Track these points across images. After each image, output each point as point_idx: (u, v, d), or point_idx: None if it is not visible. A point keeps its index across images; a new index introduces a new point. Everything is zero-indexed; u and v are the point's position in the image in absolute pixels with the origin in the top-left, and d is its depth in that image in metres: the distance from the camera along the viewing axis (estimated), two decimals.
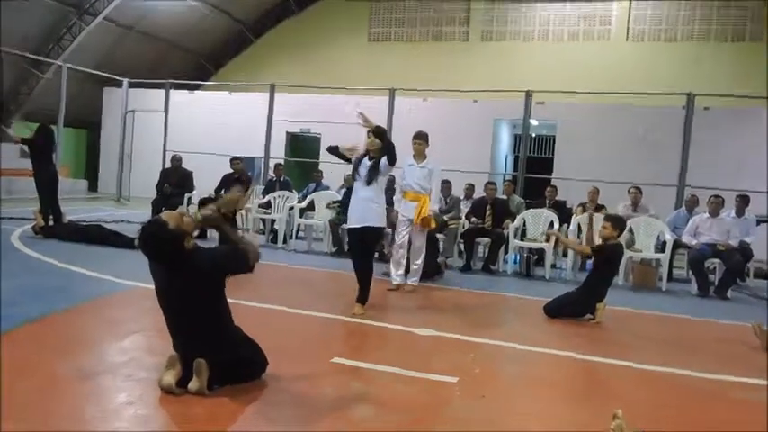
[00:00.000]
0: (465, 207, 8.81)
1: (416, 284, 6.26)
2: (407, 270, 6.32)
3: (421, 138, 6.22)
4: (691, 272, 7.57)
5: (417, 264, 6.28)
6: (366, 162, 5.23)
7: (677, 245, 7.74)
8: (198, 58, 19.76)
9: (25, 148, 9.42)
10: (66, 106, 13.09)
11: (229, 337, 3.18)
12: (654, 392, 3.67)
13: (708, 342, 5.11)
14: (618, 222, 5.55)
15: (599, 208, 8.66)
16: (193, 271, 3.06)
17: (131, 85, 14.64)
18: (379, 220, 5.21)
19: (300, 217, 9.06)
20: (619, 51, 15.76)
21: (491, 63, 16.41)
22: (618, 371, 4.02)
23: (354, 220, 5.23)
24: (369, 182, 5.17)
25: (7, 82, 15.91)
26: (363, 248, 5.25)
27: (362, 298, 5.11)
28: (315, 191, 9.72)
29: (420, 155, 6.23)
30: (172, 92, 13.56)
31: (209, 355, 2.99)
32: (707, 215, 7.66)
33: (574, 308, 5.38)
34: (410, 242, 6.30)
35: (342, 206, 8.57)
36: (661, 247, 7.74)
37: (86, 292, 5.22)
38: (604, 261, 5.47)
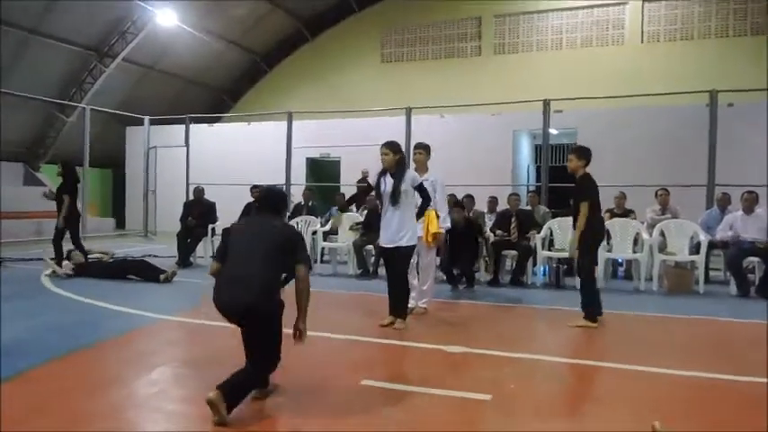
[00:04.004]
0: (489, 220, 8.69)
1: (427, 306, 5.88)
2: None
3: (421, 147, 5.87)
4: (729, 272, 7.31)
5: (427, 284, 5.89)
6: (389, 179, 5.21)
7: (712, 245, 7.49)
8: (215, 92, 20.12)
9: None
10: (90, 147, 13.35)
11: (274, 291, 3.29)
12: (698, 401, 3.49)
13: (752, 344, 4.87)
14: (582, 152, 5.46)
15: (627, 213, 8.48)
16: (284, 232, 3.41)
17: (152, 123, 14.90)
18: (409, 240, 5.21)
19: (324, 240, 9.03)
20: (635, 54, 15.57)
21: (506, 75, 16.36)
22: (658, 379, 3.83)
23: (385, 240, 5.25)
24: (394, 202, 5.16)
25: (34, 127, 16.39)
26: (397, 266, 5.25)
27: (401, 312, 5.19)
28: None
29: (422, 166, 5.85)
30: (192, 126, 13.75)
31: (253, 302, 3.14)
32: (741, 213, 7.41)
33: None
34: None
35: (365, 228, 8.53)
36: (695, 248, 7.50)
37: (112, 327, 5.21)
38: (580, 194, 5.37)
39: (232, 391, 3.01)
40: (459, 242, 7.35)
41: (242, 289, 3.18)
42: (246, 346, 3.29)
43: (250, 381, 3.19)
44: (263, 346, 3.24)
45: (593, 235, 5.38)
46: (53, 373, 3.84)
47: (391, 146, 5.27)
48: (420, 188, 5.22)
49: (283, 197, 3.78)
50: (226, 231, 3.67)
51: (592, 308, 5.33)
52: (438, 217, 5.77)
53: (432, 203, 5.50)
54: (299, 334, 3.37)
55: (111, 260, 8.70)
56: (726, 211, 7.92)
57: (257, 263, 3.24)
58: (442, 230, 5.87)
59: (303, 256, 3.39)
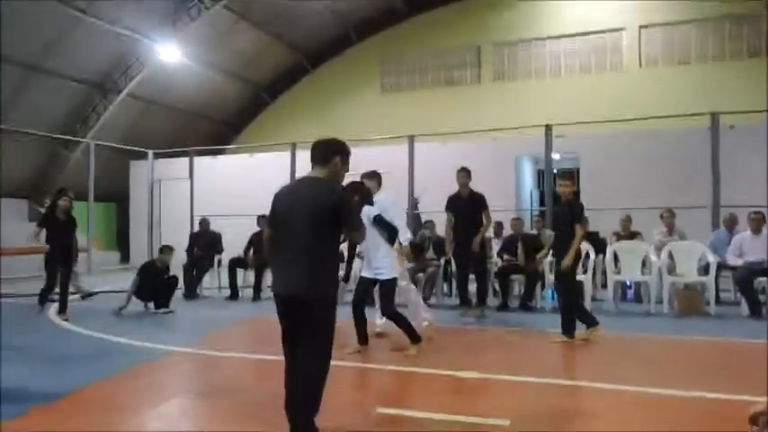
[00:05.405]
0: (495, 245, 8.67)
1: (430, 318, 5.83)
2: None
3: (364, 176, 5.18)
4: (739, 293, 7.26)
5: (411, 304, 5.79)
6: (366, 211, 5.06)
7: (721, 266, 7.45)
8: (217, 125, 20.30)
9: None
10: (95, 182, 13.43)
11: (326, 276, 3.04)
12: (710, 423, 3.43)
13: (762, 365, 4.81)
14: (573, 177, 5.90)
15: (633, 235, 8.47)
16: (326, 199, 3.05)
17: (156, 156, 15.01)
18: (386, 273, 5.15)
19: None
20: (634, 78, 15.73)
21: (506, 102, 16.48)
22: (673, 402, 3.78)
23: (362, 269, 5.36)
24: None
25: (38, 163, 16.49)
26: (382, 301, 5.31)
27: (413, 338, 5.14)
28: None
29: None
30: (195, 159, 13.85)
31: (303, 287, 2.95)
32: (749, 233, 7.40)
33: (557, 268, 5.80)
34: None
35: None
36: (704, 270, 7.47)
37: (122, 360, 5.16)
38: (578, 216, 5.82)
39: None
40: (464, 218, 7.27)
41: (288, 274, 2.99)
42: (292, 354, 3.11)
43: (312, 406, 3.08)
44: (308, 342, 3.02)
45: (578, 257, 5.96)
46: (64, 409, 3.79)
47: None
48: (377, 221, 4.99)
49: (329, 146, 3.28)
50: (275, 197, 3.30)
51: (590, 318, 5.69)
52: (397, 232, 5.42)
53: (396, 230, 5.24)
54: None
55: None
56: (734, 232, 7.90)
57: (302, 239, 2.97)
58: (405, 243, 5.62)
59: (351, 223, 3.05)
